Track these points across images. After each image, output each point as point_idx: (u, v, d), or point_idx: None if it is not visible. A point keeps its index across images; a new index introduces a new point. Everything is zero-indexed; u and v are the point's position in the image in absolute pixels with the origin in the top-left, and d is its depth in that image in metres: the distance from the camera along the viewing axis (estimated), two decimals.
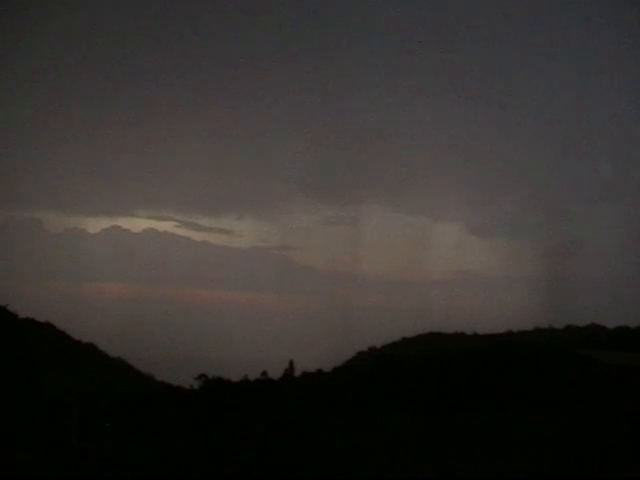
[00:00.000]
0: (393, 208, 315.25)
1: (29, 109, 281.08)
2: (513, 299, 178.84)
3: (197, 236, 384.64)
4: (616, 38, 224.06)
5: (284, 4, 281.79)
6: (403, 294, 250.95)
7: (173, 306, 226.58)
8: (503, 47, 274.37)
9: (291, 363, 52.02)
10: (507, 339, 61.54)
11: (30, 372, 40.79)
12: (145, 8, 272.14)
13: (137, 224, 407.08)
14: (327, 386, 40.70)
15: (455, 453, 22.03)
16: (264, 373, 48.30)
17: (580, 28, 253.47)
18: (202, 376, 46.86)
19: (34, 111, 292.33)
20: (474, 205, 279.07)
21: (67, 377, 42.65)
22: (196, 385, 46.64)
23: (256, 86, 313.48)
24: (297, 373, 50.53)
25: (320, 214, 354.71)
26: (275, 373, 49.83)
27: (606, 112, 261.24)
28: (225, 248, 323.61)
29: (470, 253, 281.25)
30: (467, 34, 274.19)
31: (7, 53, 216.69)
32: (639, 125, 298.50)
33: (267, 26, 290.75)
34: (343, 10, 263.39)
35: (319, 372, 48.91)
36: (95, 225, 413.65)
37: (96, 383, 43.15)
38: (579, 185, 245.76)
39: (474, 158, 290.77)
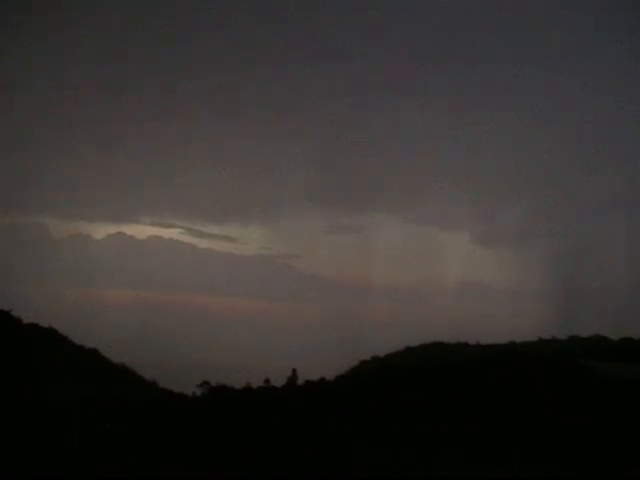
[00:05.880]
0: (398, 217, 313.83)
1: (32, 113, 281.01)
2: (516, 309, 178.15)
3: (201, 243, 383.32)
4: (620, 47, 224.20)
5: (287, 5, 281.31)
6: (407, 303, 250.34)
7: (177, 312, 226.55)
8: (509, 57, 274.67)
9: (294, 371, 51.90)
10: (510, 349, 61.32)
11: (33, 376, 40.91)
12: (145, 10, 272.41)
13: (142, 231, 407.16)
14: (330, 395, 40.65)
15: (457, 462, 22.04)
16: (267, 381, 48.25)
17: (585, 37, 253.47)
18: (205, 383, 46.86)
19: (38, 116, 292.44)
20: (480, 214, 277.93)
21: (69, 382, 42.72)
22: (199, 392, 46.62)
23: (260, 91, 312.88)
24: (300, 381, 50.47)
25: (325, 222, 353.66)
26: (278, 381, 49.79)
27: (610, 121, 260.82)
28: (229, 255, 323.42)
29: (475, 263, 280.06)
30: (475, 42, 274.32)
31: (8, 55, 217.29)
32: None
33: (270, 28, 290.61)
34: (348, 11, 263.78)
35: (322, 380, 48.83)
36: (100, 231, 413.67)
37: (98, 389, 43.16)
38: (584, 195, 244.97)
39: (480, 167, 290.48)
